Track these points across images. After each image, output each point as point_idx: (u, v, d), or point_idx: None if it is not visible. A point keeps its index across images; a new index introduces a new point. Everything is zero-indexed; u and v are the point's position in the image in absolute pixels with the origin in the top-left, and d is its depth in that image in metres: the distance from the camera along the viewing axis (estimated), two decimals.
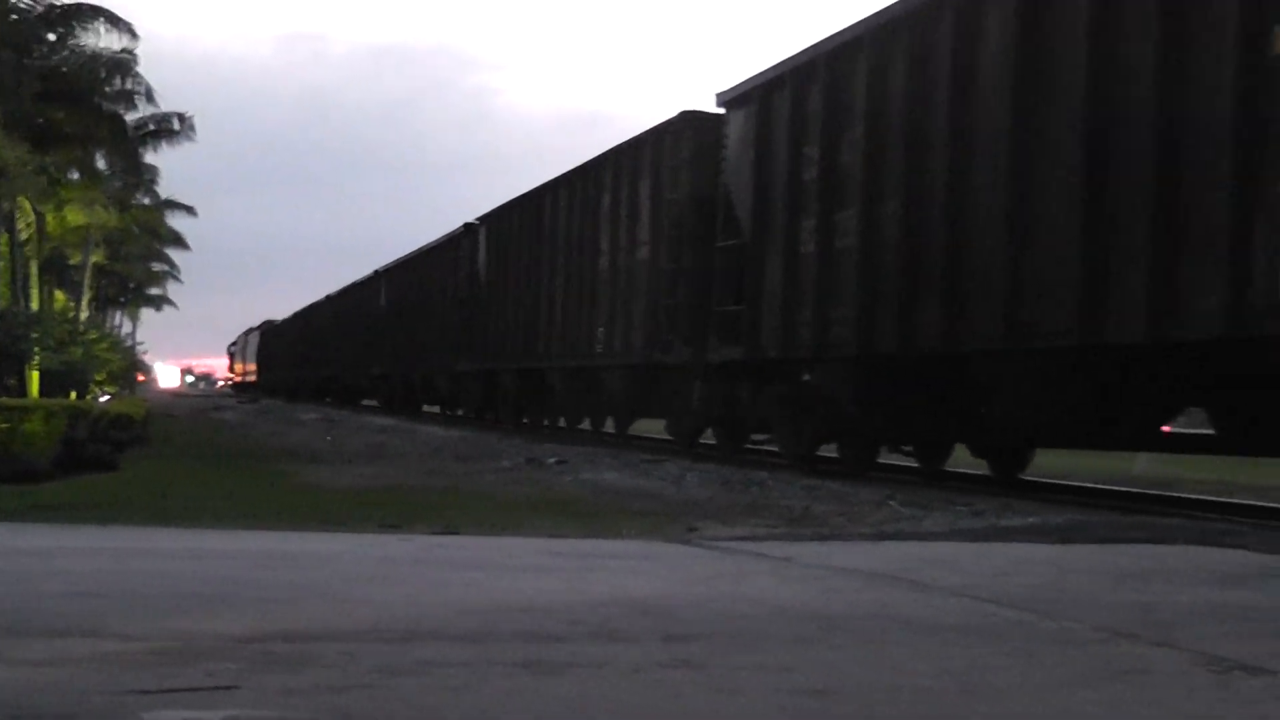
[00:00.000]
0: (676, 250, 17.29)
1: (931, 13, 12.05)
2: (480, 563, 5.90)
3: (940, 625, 4.31)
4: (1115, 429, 11.39)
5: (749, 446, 17.26)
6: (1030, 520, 8.92)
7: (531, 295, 24.02)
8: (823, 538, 7.75)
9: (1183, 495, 12.92)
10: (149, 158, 42.38)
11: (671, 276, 17.39)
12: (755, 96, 15.16)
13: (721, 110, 16.16)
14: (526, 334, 24.33)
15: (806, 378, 14.70)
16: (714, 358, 16.03)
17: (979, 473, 14.53)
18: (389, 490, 11.40)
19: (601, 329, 20.21)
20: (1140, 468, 16.60)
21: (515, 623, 4.17)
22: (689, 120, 17.31)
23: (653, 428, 21.23)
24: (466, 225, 29.59)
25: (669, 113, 18.47)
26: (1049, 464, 14.92)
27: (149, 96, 35.50)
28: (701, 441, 18.91)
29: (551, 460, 15.63)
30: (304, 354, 58.75)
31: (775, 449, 16.20)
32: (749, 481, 12.28)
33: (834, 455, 15.14)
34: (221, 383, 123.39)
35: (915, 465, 14.86)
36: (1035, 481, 13.99)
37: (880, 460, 15.14)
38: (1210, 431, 11.13)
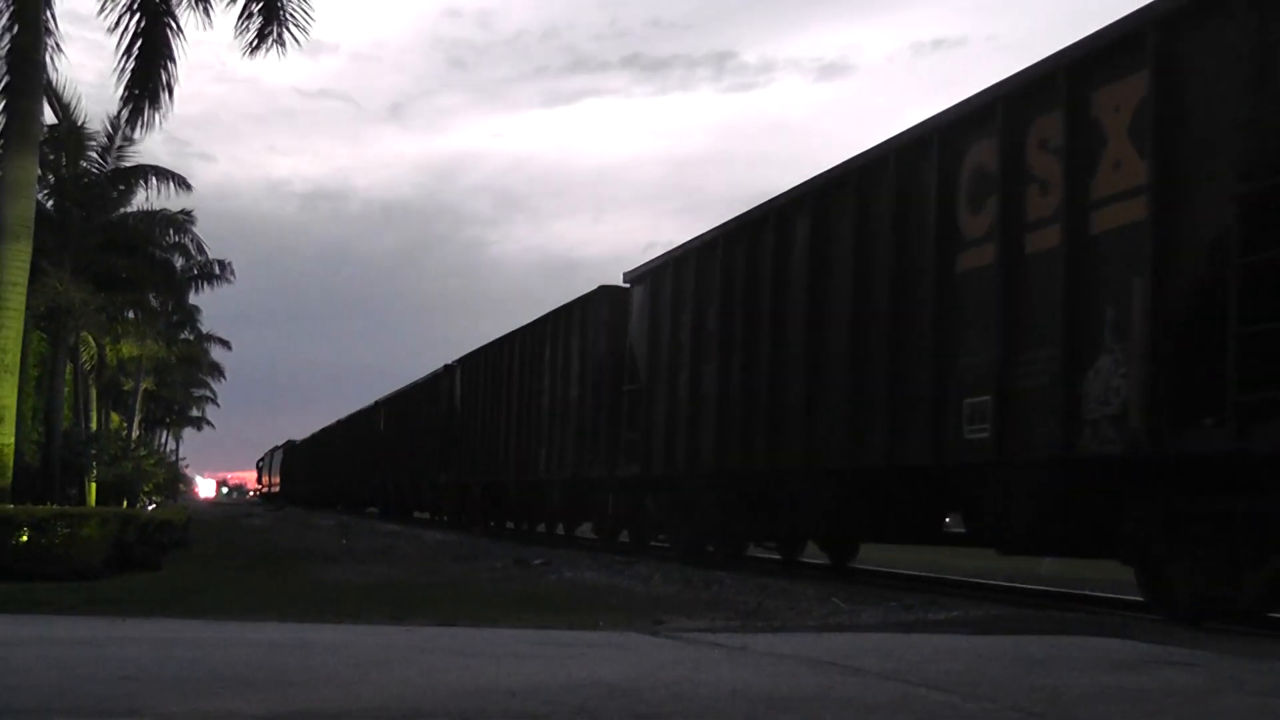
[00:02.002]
0: (597, 392, 19.19)
1: (761, 220, 14.04)
2: (474, 651, 5.82)
3: (876, 705, 4.27)
4: (892, 528, 12.95)
5: (653, 544, 18.72)
6: (954, 614, 8.89)
7: (494, 423, 25.84)
8: (773, 629, 7.68)
9: (1084, 592, 12.84)
10: (193, 298, 42.43)
11: (593, 411, 19.25)
12: (649, 276, 17.14)
13: (627, 285, 18.07)
14: (490, 454, 26.05)
15: (688, 489, 16.21)
16: (622, 474, 17.86)
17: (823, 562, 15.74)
18: (394, 587, 11.26)
19: (544, 451, 21.92)
20: (1046, 568, 16.55)
21: (504, 704, 4.11)
22: (605, 292, 19.31)
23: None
24: (446, 366, 31.48)
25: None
26: (970, 565, 14.90)
27: (199, 249, 35.91)
28: (620, 540, 20.40)
29: (537, 561, 15.52)
30: (319, 469, 60.77)
31: (668, 545, 17.74)
32: (709, 581, 12.19)
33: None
34: (252, 493, 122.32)
35: (778, 557, 16.09)
36: (865, 569, 15.60)
37: (750, 554, 16.38)
38: (964, 530, 12.39)
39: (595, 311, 19.60)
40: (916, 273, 11.07)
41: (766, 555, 16.32)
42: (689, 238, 16.12)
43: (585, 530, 23.21)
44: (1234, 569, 8.27)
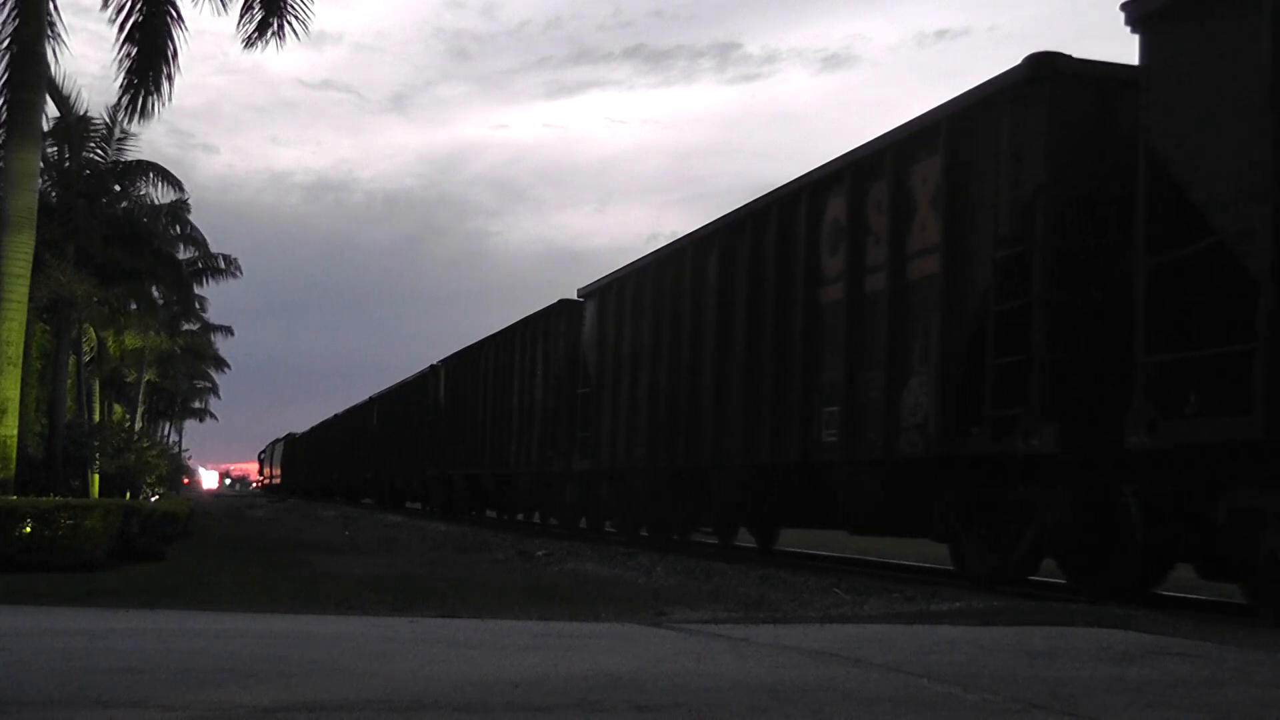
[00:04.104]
0: (557, 394, 21.73)
1: (682, 251, 16.55)
2: (477, 642, 5.83)
3: (877, 696, 4.27)
4: (790, 515, 15.30)
5: (607, 531, 21.25)
6: (955, 605, 8.95)
7: (472, 420, 28.35)
8: (775, 621, 7.70)
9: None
10: (197, 290, 42.44)
11: (554, 411, 21.76)
12: (598, 292, 19.56)
13: (581, 299, 20.52)
14: (469, 448, 28.54)
15: (630, 482, 18.62)
16: (577, 468, 20.31)
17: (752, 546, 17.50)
18: (397, 578, 11.30)
19: (514, 446, 24.41)
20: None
21: (507, 695, 4.12)
22: (565, 305, 21.86)
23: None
24: (432, 366, 33.88)
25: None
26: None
27: (200, 246, 36.12)
28: (585, 528, 22.63)
29: (540, 553, 15.53)
30: (317, 461, 63.91)
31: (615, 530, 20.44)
32: (710, 572, 12.25)
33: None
34: (255, 485, 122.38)
35: (715, 541, 18.14)
36: (791, 551, 17.66)
37: (693, 539, 18.73)
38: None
39: (555, 322, 22.27)
40: (792, 303, 13.58)
41: (704, 540, 18.62)
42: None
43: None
44: (1006, 544, 10.79)
